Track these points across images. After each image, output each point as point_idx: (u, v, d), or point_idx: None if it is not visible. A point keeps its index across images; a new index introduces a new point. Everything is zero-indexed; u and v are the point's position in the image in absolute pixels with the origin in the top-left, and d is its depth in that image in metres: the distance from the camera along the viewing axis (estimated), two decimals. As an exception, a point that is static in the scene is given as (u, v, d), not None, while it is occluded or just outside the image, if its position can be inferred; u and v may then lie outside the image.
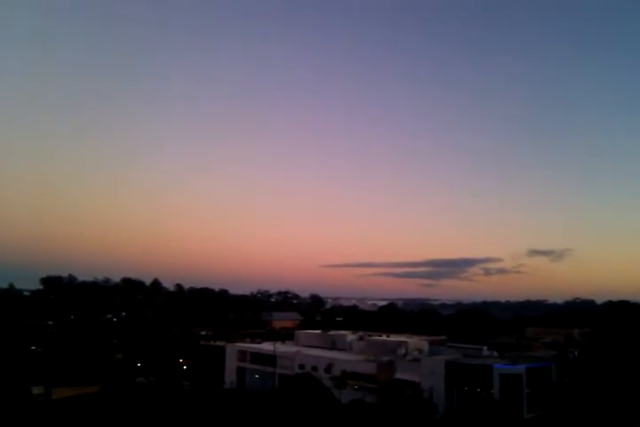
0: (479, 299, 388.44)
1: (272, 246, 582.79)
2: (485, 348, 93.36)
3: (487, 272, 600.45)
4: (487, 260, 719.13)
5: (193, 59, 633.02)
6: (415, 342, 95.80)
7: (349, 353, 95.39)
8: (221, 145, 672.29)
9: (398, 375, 79.22)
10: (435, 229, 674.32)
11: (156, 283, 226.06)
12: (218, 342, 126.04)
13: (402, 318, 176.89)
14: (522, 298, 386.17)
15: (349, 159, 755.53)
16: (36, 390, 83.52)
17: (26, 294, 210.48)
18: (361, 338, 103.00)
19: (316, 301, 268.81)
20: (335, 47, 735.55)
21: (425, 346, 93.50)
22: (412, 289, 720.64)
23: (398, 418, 61.29)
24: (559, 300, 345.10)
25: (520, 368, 72.92)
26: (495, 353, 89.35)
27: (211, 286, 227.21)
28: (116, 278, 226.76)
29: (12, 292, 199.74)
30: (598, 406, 66.81)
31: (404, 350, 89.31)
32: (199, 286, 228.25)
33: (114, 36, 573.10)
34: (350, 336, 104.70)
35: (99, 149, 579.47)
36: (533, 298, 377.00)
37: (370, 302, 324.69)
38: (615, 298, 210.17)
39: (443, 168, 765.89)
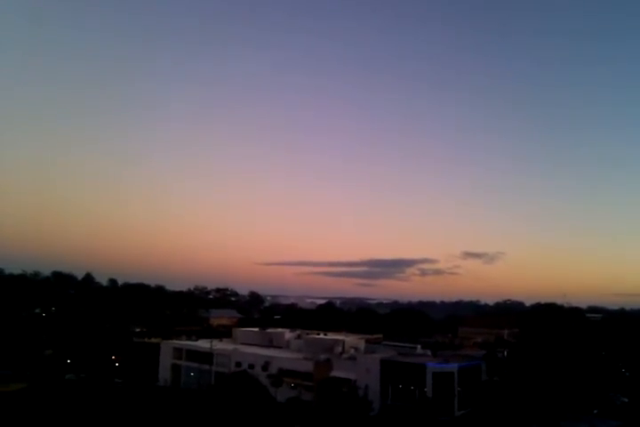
0: (415, 299, 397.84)
1: (211, 243, 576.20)
2: (419, 346, 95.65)
3: (423, 273, 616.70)
4: (424, 261, 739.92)
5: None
6: (352, 340, 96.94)
7: (287, 351, 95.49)
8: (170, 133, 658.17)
9: (335, 373, 79.98)
10: (373, 230, 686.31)
11: (88, 277, 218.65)
12: (153, 339, 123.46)
13: (339, 317, 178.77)
14: (456, 298, 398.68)
15: (290, 158, 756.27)
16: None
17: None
18: (299, 336, 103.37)
19: (255, 298, 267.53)
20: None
21: (361, 344, 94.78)
22: (350, 288, 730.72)
23: (334, 416, 61.85)
24: (490, 301, 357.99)
25: (452, 367, 75.12)
26: (429, 352, 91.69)
27: (147, 282, 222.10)
28: (47, 272, 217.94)
29: None
30: (525, 403, 69.70)
31: (340, 349, 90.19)
32: (134, 281, 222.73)
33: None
34: (288, 334, 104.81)
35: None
36: (466, 299, 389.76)
37: (308, 301, 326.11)
38: (543, 300, 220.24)
39: (381, 168, 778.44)
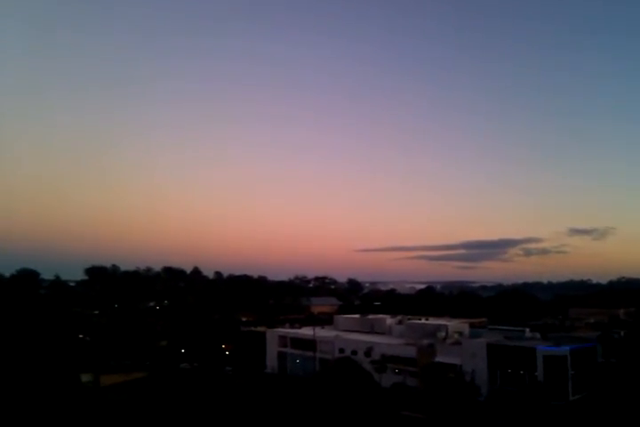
0: (520, 280, 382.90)
1: (309, 233, 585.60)
2: (528, 330, 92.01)
3: (527, 253, 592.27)
4: (527, 240, 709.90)
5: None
6: (455, 324, 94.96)
7: (389, 337, 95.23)
8: (249, 131, 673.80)
9: (439, 359, 78.77)
10: (470, 211, 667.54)
11: (196, 271, 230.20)
12: (258, 328, 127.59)
13: (441, 301, 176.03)
14: (564, 278, 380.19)
15: (382, 144, 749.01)
16: (84, 378, 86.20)
17: (71, 284, 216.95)
18: (400, 322, 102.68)
19: (354, 285, 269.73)
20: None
21: (465, 329, 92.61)
22: (449, 272, 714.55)
23: (441, 401, 61.05)
24: (603, 279, 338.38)
25: (564, 349, 71.59)
26: (538, 335, 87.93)
27: (249, 273, 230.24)
28: (158, 268, 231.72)
29: (58, 283, 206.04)
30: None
31: (444, 333, 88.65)
32: (238, 273, 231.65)
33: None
34: (389, 320, 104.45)
35: (138, 143, 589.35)
36: (576, 278, 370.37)
37: (408, 286, 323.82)
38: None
39: (473, 143, 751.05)
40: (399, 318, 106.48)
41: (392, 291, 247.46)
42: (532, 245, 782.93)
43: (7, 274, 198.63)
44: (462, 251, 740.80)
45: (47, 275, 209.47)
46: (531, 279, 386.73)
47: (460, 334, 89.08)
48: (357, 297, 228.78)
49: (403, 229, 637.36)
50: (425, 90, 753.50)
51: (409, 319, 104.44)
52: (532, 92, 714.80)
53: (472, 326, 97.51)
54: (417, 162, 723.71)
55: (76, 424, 60.69)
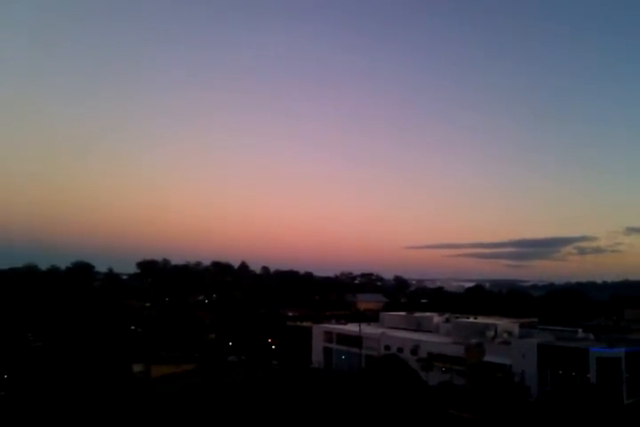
0: (573, 280, 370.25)
1: (356, 229, 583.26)
2: (580, 330, 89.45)
3: (581, 251, 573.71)
4: (581, 239, 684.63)
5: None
6: (505, 324, 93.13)
7: (435, 335, 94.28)
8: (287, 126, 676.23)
9: (487, 358, 77.39)
10: (522, 209, 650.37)
11: (243, 266, 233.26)
12: (304, 323, 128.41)
13: (490, 300, 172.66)
14: (620, 278, 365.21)
15: (431, 141, 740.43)
16: (136, 368, 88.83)
17: (124, 277, 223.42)
18: (447, 320, 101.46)
19: (400, 282, 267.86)
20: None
21: (515, 328, 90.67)
22: (499, 270, 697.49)
23: (489, 401, 59.99)
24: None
25: (619, 351, 69.18)
26: (591, 336, 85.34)
27: (296, 269, 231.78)
28: (207, 262, 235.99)
29: (111, 276, 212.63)
30: None
31: (492, 333, 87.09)
32: (284, 268, 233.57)
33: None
34: (436, 318, 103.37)
35: (178, 140, 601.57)
36: (632, 278, 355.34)
37: (455, 284, 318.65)
38: None
39: (534, 146, 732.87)
40: (446, 316, 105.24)
41: (439, 289, 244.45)
42: (587, 244, 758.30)
43: (63, 267, 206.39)
44: (513, 249, 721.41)
45: (101, 268, 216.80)
46: (584, 279, 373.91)
47: (510, 333, 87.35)
48: (404, 294, 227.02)
49: (452, 227, 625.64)
50: (468, 86, 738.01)
51: (457, 318, 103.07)
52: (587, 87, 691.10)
53: (522, 325, 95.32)
54: (467, 159, 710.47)
55: (127, 413, 62.59)
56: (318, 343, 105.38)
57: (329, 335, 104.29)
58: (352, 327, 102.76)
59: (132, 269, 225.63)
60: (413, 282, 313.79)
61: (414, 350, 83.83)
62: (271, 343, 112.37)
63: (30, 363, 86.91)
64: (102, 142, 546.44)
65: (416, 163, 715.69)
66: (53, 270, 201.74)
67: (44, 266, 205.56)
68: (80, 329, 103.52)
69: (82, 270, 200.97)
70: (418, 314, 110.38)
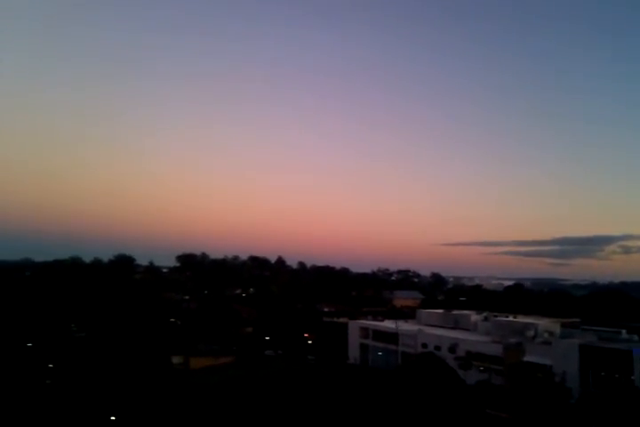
0: (617, 279, 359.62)
1: (393, 226, 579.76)
2: (624, 331, 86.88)
3: (626, 250, 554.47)
4: (626, 237, 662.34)
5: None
6: (545, 323, 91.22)
7: (474, 334, 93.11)
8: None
9: (527, 358, 76.05)
10: (564, 206, 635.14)
11: (280, 260, 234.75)
12: (340, 319, 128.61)
13: (530, 299, 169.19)
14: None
15: (471, 137, 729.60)
16: (175, 360, 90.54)
17: (164, 270, 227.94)
18: (486, 318, 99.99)
19: (438, 280, 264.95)
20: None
21: (556, 328, 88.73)
22: (540, 269, 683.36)
23: (528, 401, 59.00)
24: None
25: (666, 354, 66.96)
26: (635, 337, 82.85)
27: (332, 265, 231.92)
28: (244, 256, 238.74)
29: (151, 269, 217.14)
30: None
31: (533, 332, 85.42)
32: (321, 264, 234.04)
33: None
34: (475, 316, 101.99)
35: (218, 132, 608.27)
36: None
37: (494, 282, 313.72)
38: None
39: (578, 141, 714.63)
40: (485, 314, 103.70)
41: (478, 286, 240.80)
42: (632, 243, 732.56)
43: (105, 259, 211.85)
44: (555, 247, 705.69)
45: (142, 261, 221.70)
46: (629, 278, 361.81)
47: (551, 333, 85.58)
48: (441, 292, 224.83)
49: (492, 224, 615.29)
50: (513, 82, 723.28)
51: (495, 316, 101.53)
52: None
53: (563, 325, 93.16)
54: (509, 155, 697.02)
55: (167, 402, 63.92)
56: (354, 339, 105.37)
57: (365, 332, 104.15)
58: (389, 324, 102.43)
59: (172, 263, 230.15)
60: (451, 279, 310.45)
61: (452, 349, 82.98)
62: (307, 338, 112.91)
63: (74, 353, 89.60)
64: (143, 140, 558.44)
65: (456, 159, 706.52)
66: (96, 263, 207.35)
67: (87, 258, 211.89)
68: (122, 320, 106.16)
69: (124, 263, 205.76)
70: (455, 312, 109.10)
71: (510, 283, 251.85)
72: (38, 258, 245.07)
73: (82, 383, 72.94)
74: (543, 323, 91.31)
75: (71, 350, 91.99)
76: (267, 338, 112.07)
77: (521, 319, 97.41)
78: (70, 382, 75.34)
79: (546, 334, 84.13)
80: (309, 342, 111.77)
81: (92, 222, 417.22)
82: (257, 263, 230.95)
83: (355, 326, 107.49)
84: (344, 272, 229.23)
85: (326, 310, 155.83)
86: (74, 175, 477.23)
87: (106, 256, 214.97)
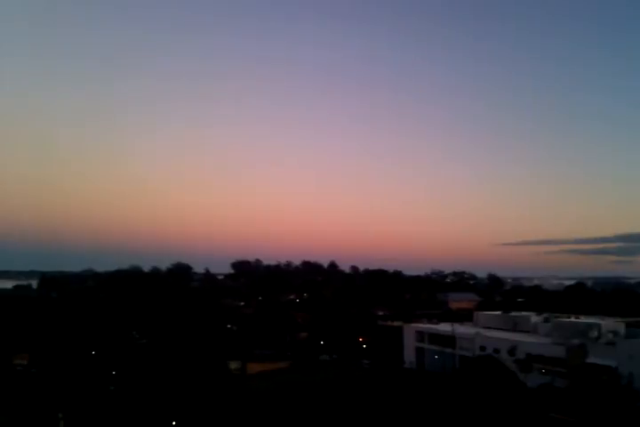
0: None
1: (446, 227, 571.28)
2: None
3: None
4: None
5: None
6: (609, 323, 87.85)
7: (534, 336, 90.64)
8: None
9: (590, 360, 73.43)
10: (628, 201, 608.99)
11: (332, 265, 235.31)
12: (394, 323, 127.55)
13: (592, 298, 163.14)
14: None
15: (526, 133, 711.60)
16: (232, 365, 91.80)
17: (219, 277, 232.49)
18: (546, 320, 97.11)
19: (494, 281, 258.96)
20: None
21: (621, 328, 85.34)
22: (603, 267, 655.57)
23: (594, 405, 56.88)
24: None
25: None
26: None
27: (385, 268, 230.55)
28: (297, 262, 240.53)
29: (208, 276, 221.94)
30: None
31: (596, 333, 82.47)
32: (374, 267, 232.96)
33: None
34: (534, 318, 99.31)
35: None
36: None
37: (555, 282, 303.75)
38: None
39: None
40: (545, 315, 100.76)
41: (537, 287, 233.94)
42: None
43: (164, 268, 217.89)
44: (618, 244, 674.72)
45: (198, 268, 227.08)
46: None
47: (615, 333, 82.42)
48: (498, 293, 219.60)
49: (549, 222, 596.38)
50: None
51: (556, 317, 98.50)
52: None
53: (629, 325, 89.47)
54: (568, 150, 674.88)
55: (226, 407, 64.87)
56: (410, 343, 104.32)
57: (421, 335, 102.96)
58: (445, 327, 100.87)
59: (227, 270, 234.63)
60: (508, 280, 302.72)
61: (512, 351, 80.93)
62: (362, 343, 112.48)
63: (136, 360, 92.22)
64: (202, 148, 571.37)
65: (512, 158, 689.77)
66: (155, 271, 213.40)
67: (146, 268, 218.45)
68: (180, 327, 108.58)
69: (181, 271, 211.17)
70: (514, 313, 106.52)
71: (571, 282, 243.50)
72: (100, 268, 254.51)
73: (144, 389, 74.93)
74: (607, 323, 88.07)
75: (133, 356, 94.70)
76: (321, 343, 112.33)
77: (583, 320, 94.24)
78: (133, 388, 77.55)
79: (610, 335, 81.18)
80: (364, 346, 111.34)
81: (149, 233, 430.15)
82: (310, 268, 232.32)
83: (410, 330, 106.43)
84: (397, 275, 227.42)
85: (380, 313, 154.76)
86: (131, 189, 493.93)
87: (164, 265, 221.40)
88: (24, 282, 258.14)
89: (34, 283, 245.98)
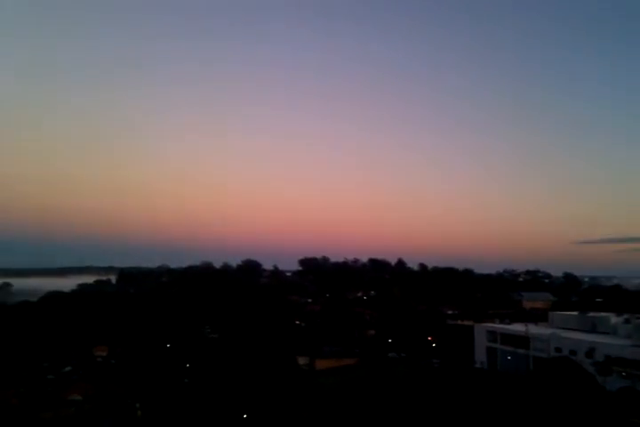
0: None
1: (518, 224, 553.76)
2: None
3: None
4: None
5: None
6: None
7: (614, 337, 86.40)
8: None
9: (677, 364, 69.26)
10: None
11: (400, 263, 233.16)
12: (465, 322, 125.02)
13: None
14: None
15: (600, 131, 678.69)
16: (301, 361, 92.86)
17: (288, 274, 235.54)
18: (627, 321, 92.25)
19: (571, 280, 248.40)
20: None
21: None
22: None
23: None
24: None
25: None
26: None
27: (454, 266, 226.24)
28: (364, 259, 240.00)
29: (276, 272, 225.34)
30: None
31: (682, 336, 77.68)
32: (442, 265, 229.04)
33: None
34: (614, 319, 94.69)
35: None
36: None
37: (636, 281, 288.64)
38: None
39: None
40: (626, 316, 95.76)
41: (617, 286, 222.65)
42: None
43: (234, 264, 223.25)
44: None
45: (267, 265, 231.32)
46: None
47: None
48: (575, 293, 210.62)
49: (632, 219, 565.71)
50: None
51: (638, 318, 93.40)
52: None
53: None
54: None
55: (295, 402, 65.68)
56: (481, 343, 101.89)
57: (492, 335, 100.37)
58: (518, 327, 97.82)
59: (295, 267, 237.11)
60: (586, 279, 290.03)
61: (589, 353, 77.51)
62: (431, 341, 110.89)
63: (208, 353, 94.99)
64: (274, 155, 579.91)
65: (584, 156, 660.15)
66: (226, 268, 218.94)
67: (217, 264, 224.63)
68: (250, 322, 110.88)
69: (251, 268, 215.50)
70: (592, 314, 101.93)
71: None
72: (173, 265, 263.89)
73: (216, 383, 77.03)
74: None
75: (205, 350, 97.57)
76: (389, 340, 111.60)
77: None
78: (206, 381, 79.90)
79: (699, 338, 76.18)
80: (433, 344, 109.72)
81: (222, 230, 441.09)
82: (377, 266, 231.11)
83: (481, 329, 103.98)
84: (467, 273, 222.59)
85: (450, 312, 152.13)
86: (205, 191, 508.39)
87: (234, 261, 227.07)
88: (104, 277, 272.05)
89: (113, 278, 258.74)
